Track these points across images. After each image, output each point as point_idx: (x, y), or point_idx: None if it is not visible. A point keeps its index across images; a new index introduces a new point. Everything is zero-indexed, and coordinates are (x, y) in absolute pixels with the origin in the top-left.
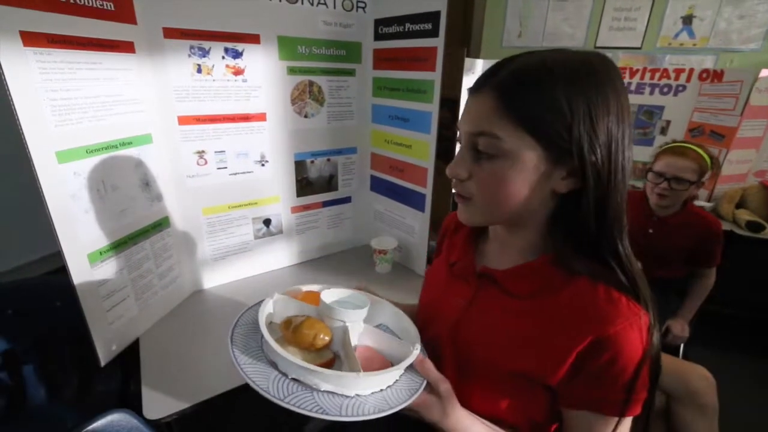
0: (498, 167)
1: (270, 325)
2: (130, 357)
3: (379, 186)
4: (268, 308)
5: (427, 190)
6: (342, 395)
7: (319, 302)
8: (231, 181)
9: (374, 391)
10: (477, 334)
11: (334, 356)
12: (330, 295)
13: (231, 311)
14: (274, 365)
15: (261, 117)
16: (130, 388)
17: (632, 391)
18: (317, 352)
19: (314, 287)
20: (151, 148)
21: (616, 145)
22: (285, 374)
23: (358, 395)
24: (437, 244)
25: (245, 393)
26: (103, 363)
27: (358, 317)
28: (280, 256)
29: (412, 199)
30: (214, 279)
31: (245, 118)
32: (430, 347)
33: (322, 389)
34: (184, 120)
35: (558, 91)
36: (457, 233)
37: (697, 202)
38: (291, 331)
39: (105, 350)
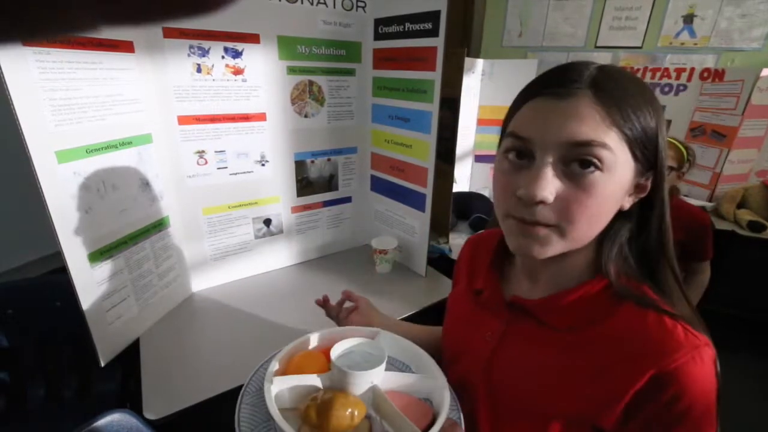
0: (600, 184)
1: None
2: (129, 357)
3: (379, 186)
4: (273, 395)
5: (428, 190)
6: None
7: (318, 360)
8: (231, 181)
9: None
10: (513, 374)
11: (370, 422)
12: (339, 353)
13: (231, 311)
14: None
15: (261, 117)
16: (130, 388)
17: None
18: (355, 428)
19: (306, 341)
20: (151, 147)
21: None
22: None
23: None
24: (454, 274)
25: None
26: (103, 363)
27: (383, 370)
28: (280, 256)
29: (413, 199)
30: (214, 279)
31: (245, 117)
32: (461, 387)
33: None
34: (183, 120)
35: (647, 101)
36: (476, 259)
37: (698, 202)
38: (322, 417)
39: (105, 350)
